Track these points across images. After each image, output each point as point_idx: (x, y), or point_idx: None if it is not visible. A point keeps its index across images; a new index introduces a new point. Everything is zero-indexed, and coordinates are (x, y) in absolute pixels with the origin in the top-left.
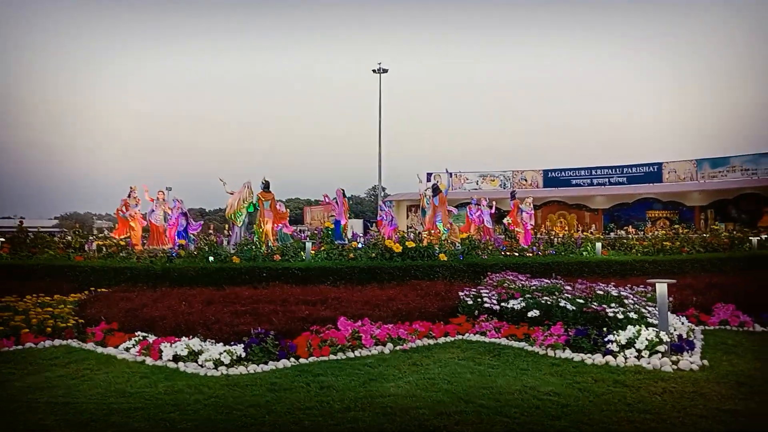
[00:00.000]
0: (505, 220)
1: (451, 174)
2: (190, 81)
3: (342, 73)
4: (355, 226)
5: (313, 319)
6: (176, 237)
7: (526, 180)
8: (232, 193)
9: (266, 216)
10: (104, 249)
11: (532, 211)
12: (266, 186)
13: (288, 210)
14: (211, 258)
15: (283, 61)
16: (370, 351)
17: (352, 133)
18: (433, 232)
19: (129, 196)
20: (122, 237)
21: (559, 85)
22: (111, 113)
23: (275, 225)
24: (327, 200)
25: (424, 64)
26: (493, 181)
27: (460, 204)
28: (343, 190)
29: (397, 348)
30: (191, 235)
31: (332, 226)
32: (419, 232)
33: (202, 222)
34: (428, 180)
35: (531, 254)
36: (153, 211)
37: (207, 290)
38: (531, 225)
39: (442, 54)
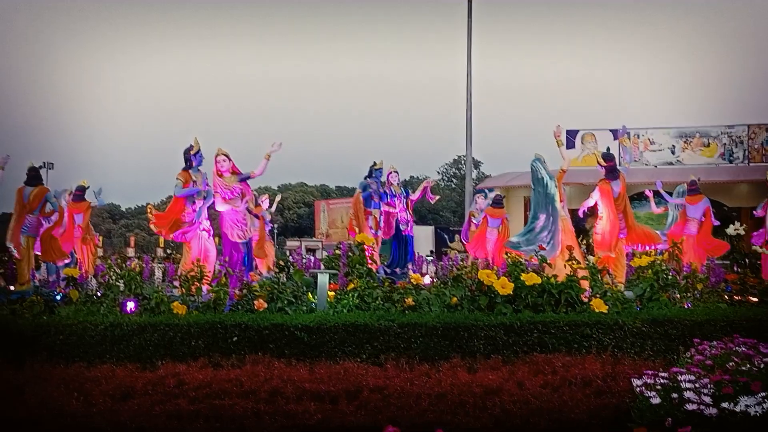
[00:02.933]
0: (733, 228)
1: (628, 133)
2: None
3: None
4: (418, 237)
5: (333, 429)
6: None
7: None
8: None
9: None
10: None
11: None
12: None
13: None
14: (129, 305)
15: None
16: None
17: (414, 78)
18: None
19: None
20: None
21: None
22: None
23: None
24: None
25: None
26: (708, 146)
27: (632, 196)
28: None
29: None
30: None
31: (371, 242)
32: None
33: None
34: (570, 146)
35: None
36: None
37: (122, 369)
38: None
39: None
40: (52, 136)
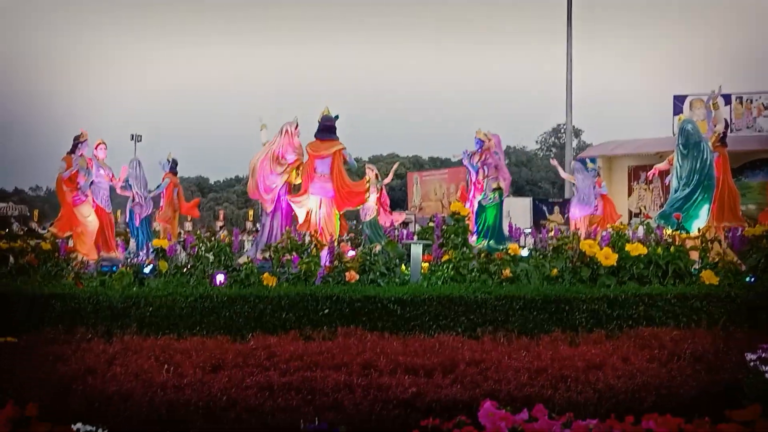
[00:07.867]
0: None
1: (730, 99)
2: None
3: None
4: (515, 209)
5: (428, 403)
6: (140, 236)
7: None
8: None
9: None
10: (12, 259)
11: None
12: (327, 128)
13: (373, 177)
14: (219, 277)
15: None
16: None
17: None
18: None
19: (77, 148)
20: (63, 234)
21: None
22: None
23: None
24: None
25: None
26: None
27: (745, 165)
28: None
29: None
30: (181, 234)
31: (466, 212)
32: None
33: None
34: (677, 112)
35: None
36: (94, 182)
37: (212, 341)
38: None
39: None
40: (140, 107)
